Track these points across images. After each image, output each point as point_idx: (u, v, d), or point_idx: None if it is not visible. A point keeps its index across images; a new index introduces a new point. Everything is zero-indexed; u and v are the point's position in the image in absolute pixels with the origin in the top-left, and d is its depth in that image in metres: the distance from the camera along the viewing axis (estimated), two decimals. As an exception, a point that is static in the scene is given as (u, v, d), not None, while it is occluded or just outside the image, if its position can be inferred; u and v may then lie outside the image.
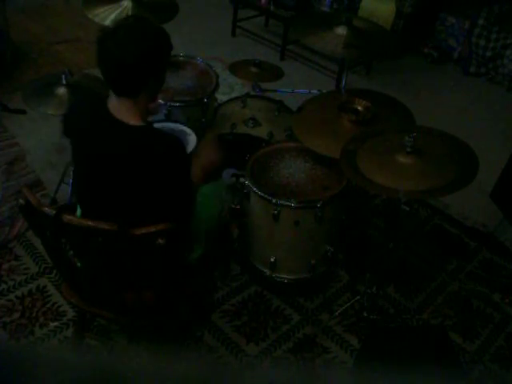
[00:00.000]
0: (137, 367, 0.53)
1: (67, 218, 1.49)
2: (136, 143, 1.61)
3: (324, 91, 2.77)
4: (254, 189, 2.23)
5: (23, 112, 3.20)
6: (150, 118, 1.81)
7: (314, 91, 2.78)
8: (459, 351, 2.26)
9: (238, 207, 2.38)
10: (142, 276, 1.66)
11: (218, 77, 2.84)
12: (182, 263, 1.86)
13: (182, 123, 2.51)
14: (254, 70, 2.78)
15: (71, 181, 2.47)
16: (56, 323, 2.23)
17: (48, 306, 2.30)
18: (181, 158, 1.67)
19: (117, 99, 1.62)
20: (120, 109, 1.62)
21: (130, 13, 2.49)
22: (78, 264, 1.70)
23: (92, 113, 1.71)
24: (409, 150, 1.88)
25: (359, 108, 2.35)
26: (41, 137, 3.22)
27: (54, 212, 1.49)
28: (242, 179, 2.35)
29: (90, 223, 1.49)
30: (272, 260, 2.31)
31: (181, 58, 2.96)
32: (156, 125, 2.05)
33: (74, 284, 1.80)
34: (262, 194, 2.21)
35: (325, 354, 2.23)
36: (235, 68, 2.84)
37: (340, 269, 2.59)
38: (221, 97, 3.22)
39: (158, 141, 1.64)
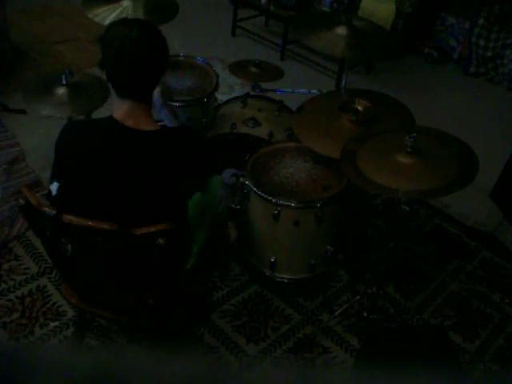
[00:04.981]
0: (137, 367, 0.53)
1: (67, 218, 1.49)
2: (162, 149, 1.60)
3: (324, 91, 2.77)
4: (254, 189, 2.23)
5: (23, 112, 3.21)
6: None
7: (314, 91, 2.78)
8: (459, 351, 2.26)
9: (238, 207, 2.38)
10: (142, 276, 1.66)
11: (218, 77, 2.84)
12: (182, 264, 1.86)
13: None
14: (254, 69, 2.78)
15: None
16: (56, 323, 2.23)
17: (48, 305, 2.30)
18: (204, 147, 1.75)
19: (134, 106, 1.59)
20: (135, 115, 1.59)
21: (130, 13, 2.49)
22: (78, 263, 1.70)
23: (96, 132, 1.64)
24: (409, 150, 1.88)
25: (359, 108, 2.35)
26: (41, 137, 3.22)
27: (54, 212, 1.49)
28: (241, 179, 2.35)
29: (90, 223, 1.49)
30: (272, 260, 2.31)
31: (181, 58, 2.96)
32: None
33: (74, 284, 1.80)
34: (262, 194, 2.21)
35: (325, 354, 2.23)
36: (235, 68, 2.84)
37: (340, 269, 2.59)
38: (221, 97, 3.22)
39: (182, 140, 1.65)
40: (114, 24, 1.63)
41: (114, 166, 1.57)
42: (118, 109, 1.62)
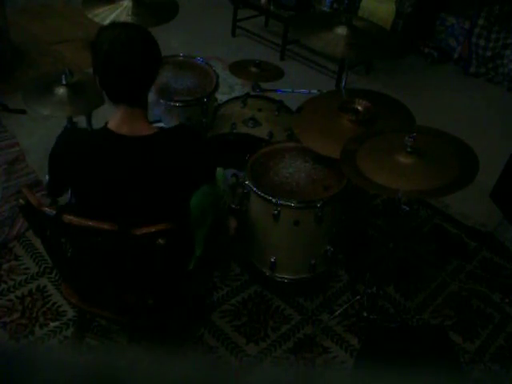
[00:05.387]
0: (137, 367, 0.53)
1: (67, 218, 1.49)
2: (159, 151, 1.59)
3: (324, 91, 2.77)
4: (254, 189, 2.23)
5: (23, 112, 3.21)
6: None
7: (314, 91, 2.78)
8: (459, 351, 2.26)
9: (238, 207, 2.38)
10: (143, 276, 1.66)
11: (218, 77, 2.84)
12: (184, 265, 1.86)
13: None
14: (254, 69, 2.78)
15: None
16: (56, 323, 2.23)
17: (48, 305, 2.30)
18: (201, 142, 1.73)
19: (127, 111, 1.58)
20: (130, 121, 1.58)
21: (130, 13, 2.48)
22: (78, 264, 1.70)
23: (91, 140, 1.63)
24: (409, 149, 1.88)
25: (359, 108, 2.35)
26: (41, 137, 3.22)
27: (54, 212, 1.49)
28: (241, 179, 2.35)
29: (90, 223, 1.49)
30: (272, 260, 2.31)
31: (181, 58, 2.96)
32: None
33: (74, 284, 1.80)
34: (262, 194, 2.21)
35: (325, 354, 2.23)
36: (235, 68, 2.84)
37: (340, 269, 2.59)
38: (221, 97, 3.22)
39: (179, 140, 1.64)
40: (104, 28, 1.61)
41: (113, 170, 1.57)
42: (113, 116, 1.61)
